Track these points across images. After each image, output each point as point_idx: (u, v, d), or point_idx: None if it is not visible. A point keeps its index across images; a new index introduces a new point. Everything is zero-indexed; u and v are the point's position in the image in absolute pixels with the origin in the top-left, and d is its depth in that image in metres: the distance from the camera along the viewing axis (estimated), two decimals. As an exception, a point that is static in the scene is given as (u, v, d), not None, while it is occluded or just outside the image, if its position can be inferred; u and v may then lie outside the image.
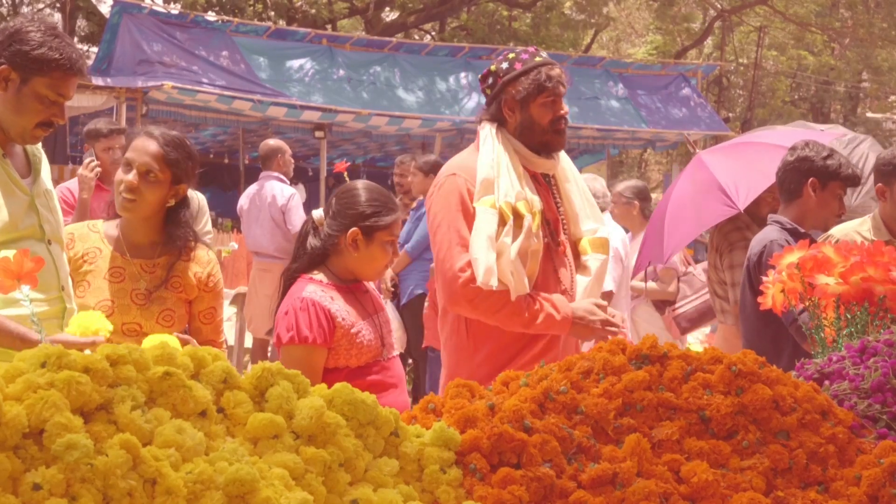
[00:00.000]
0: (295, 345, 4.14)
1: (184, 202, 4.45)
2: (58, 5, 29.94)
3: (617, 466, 2.64)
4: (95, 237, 4.45)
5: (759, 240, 5.32)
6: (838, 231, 5.53)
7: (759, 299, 3.97)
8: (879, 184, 5.54)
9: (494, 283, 4.50)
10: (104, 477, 2.12)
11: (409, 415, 2.89)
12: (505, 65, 4.78)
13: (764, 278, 3.97)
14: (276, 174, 10.74)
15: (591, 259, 4.92)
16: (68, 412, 2.19)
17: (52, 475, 2.09)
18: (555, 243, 4.82)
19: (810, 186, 5.30)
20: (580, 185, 5.05)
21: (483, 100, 4.99)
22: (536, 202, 4.66)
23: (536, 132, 4.75)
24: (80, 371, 2.26)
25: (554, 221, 4.85)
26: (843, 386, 3.09)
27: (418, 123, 22.95)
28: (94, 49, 23.24)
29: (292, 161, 11.13)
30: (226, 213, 23.12)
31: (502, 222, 4.58)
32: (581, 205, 4.98)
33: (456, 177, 4.75)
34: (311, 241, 4.33)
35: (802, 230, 5.25)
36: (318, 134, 22.73)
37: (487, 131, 4.80)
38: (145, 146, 4.32)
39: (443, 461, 2.59)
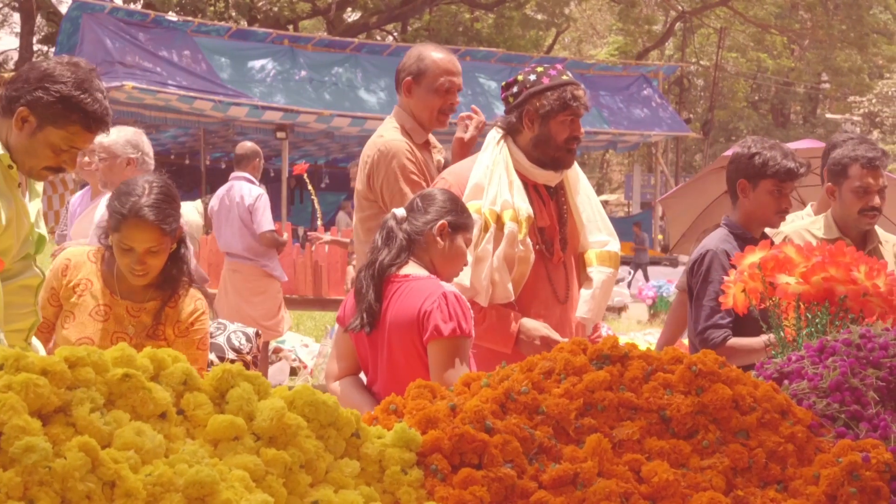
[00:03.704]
0: (456, 337, 4.09)
1: (181, 239, 4.34)
2: (16, 4, 29.72)
3: (578, 466, 2.65)
4: (91, 268, 4.35)
5: (700, 246, 5.28)
6: (788, 228, 5.53)
7: (721, 298, 3.99)
8: (829, 183, 5.56)
9: (466, 282, 4.58)
10: (62, 480, 2.11)
11: (370, 416, 2.89)
12: (532, 77, 4.87)
13: (727, 279, 3.98)
14: (245, 174, 10.70)
15: (595, 271, 4.97)
16: (26, 415, 2.17)
17: (10, 478, 2.07)
18: (549, 252, 4.87)
19: (740, 187, 5.19)
20: (591, 198, 5.13)
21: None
22: (524, 211, 4.72)
23: (551, 147, 4.84)
24: (37, 373, 2.25)
25: (550, 231, 4.89)
26: (802, 385, 3.11)
27: (380, 124, 22.93)
28: (53, 49, 23.08)
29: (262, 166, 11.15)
30: (187, 215, 23.02)
31: (484, 229, 4.67)
32: (590, 217, 5.05)
33: (445, 180, 4.88)
34: (399, 236, 4.29)
35: (750, 234, 5.16)
36: (280, 135, 22.70)
37: (491, 138, 4.93)
38: (143, 233, 4.14)
39: (404, 462, 2.59)
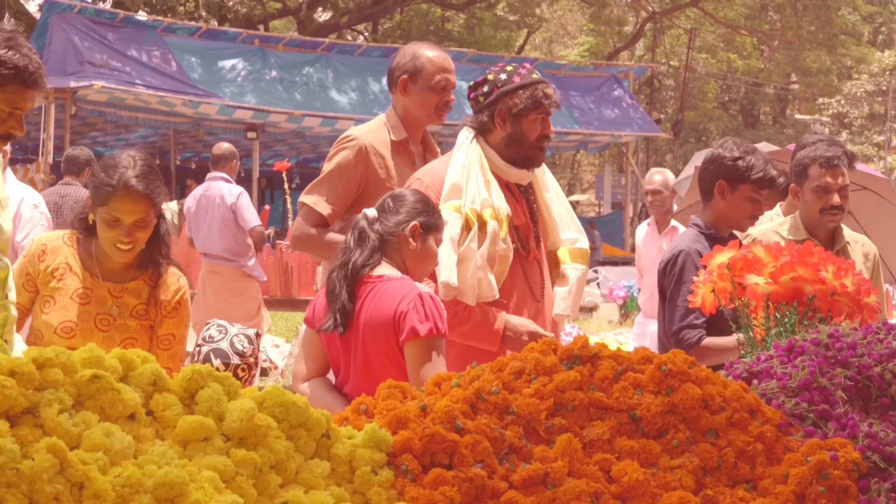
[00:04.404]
0: (433, 337, 4.09)
1: (160, 216, 4.32)
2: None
3: (548, 466, 2.65)
4: (68, 252, 4.31)
5: (672, 246, 5.31)
6: (756, 230, 5.57)
7: (689, 298, 4.01)
8: (793, 184, 5.61)
9: (454, 282, 4.59)
10: (30, 481, 2.09)
11: (340, 416, 2.88)
12: (503, 76, 4.91)
13: (695, 277, 4.00)
14: (223, 175, 10.68)
15: (570, 269, 5.02)
16: (-7, 416, 2.16)
17: (-23, 480, 2.06)
18: (524, 251, 4.90)
19: (718, 189, 5.22)
20: (560, 196, 5.17)
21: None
22: (503, 209, 4.75)
23: (523, 146, 4.88)
24: (5, 374, 2.23)
25: (525, 229, 4.92)
26: (771, 385, 3.12)
27: (351, 124, 22.91)
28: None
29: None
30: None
31: (467, 228, 4.68)
32: (560, 215, 5.08)
33: (420, 181, 4.88)
34: (371, 236, 4.28)
35: (720, 234, 5.20)
36: (251, 135, 22.64)
37: (464, 137, 4.95)
38: (133, 204, 4.13)
39: (374, 463, 2.59)
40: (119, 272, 4.31)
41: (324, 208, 5.26)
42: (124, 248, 4.19)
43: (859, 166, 7.40)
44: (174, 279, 4.38)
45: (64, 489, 2.13)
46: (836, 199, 5.44)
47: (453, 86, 5.38)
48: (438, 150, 5.59)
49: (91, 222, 4.27)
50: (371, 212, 4.33)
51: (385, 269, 4.20)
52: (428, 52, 5.38)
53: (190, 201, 10.89)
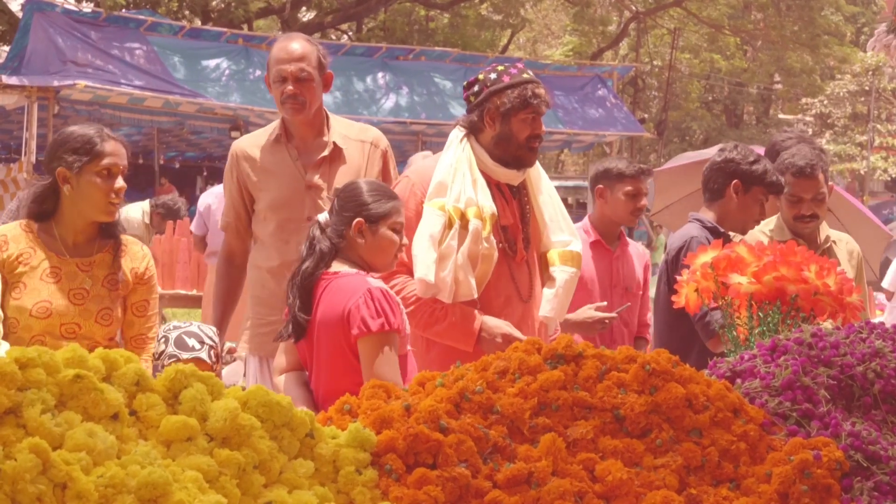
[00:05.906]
0: (385, 332, 4.08)
1: None
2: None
3: (532, 466, 2.65)
4: (28, 238, 4.32)
5: (678, 236, 5.35)
6: None
7: (674, 297, 4.02)
8: None
9: (431, 278, 4.59)
10: (13, 482, 2.09)
11: (324, 416, 2.88)
12: (493, 75, 4.88)
13: (680, 276, 4.01)
14: None
15: (558, 271, 4.98)
16: (-24, 416, 2.16)
17: (-41, 481, 2.05)
18: (512, 251, 4.88)
19: (733, 189, 5.29)
20: (553, 197, 5.13)
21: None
22: (487, 209, 4.73)
23: (512, 145, 4.85)
24: (-13, 374, 2.23)
25: (513, 230, 4.90)
26: (754, 384, 3.13)
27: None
28: (6, 48, 22.85)
29: None
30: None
31: (449, 226, 4.68)
32: (552, 217, 5.06)
33: (408, 179, 4.91)
34: (321, 242, 4.28)
35: (722, 230, 5.28)
36: (235, 134, 22.56)
37: (454, 136, 4.94)
38: (119, 150, 4.28)
39: (358, 462, 2.59)
40: (84, 246, 4.35)
41: (221, 222, 5.42)
42: (116, 201, 4.27)
43: None
44: (138, 248, 4.48)
45: (47, 489, 2.13)
46: (806, 208, 5.44)
47: (292, 76, 5.18)
48: (347, 136, 5.50)
49: (66, 193, 4.28)
50: (323, 217, 4.35)
51: (340, 266, 4.22)
52: (275, 46, 5.32)
53: (210, 198, 10.83)
